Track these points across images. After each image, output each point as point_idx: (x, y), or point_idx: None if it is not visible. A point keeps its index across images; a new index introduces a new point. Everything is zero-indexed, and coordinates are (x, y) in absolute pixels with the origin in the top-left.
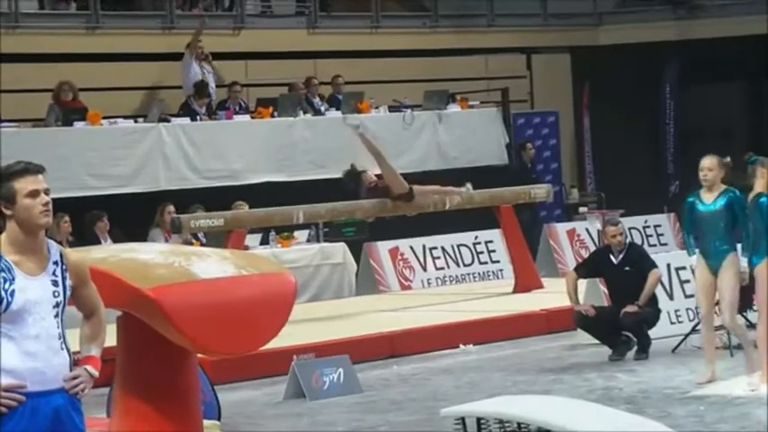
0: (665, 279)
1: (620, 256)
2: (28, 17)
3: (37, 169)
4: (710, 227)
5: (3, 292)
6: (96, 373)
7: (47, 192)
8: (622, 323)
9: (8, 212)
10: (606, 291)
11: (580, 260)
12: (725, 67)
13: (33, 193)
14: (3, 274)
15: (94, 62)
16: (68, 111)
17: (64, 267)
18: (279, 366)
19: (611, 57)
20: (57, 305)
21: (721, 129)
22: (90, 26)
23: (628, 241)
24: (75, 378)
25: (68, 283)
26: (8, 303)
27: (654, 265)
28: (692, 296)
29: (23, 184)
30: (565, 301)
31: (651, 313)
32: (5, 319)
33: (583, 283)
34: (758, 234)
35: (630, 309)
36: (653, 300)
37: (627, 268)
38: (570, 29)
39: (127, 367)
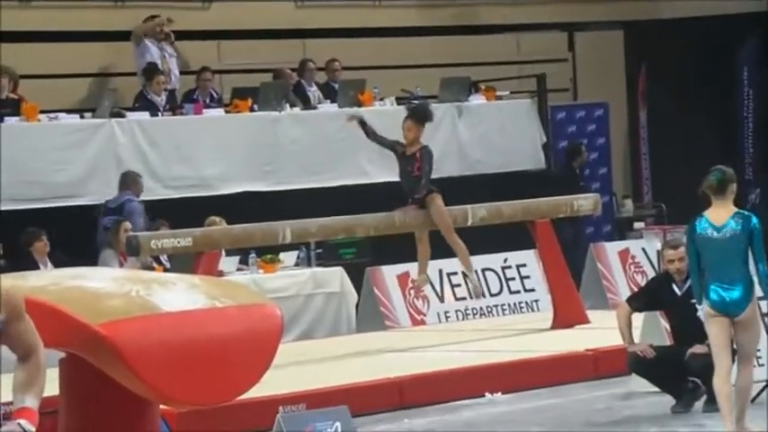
0: None
1: (686, 285)
2: None
3: None
4: None
5: None
6: (33, 429)
7: None
8: (688, 367)
9: None
10: (668, 327)
11: (635, 288)
12: None
13: None
14: None
15: (29, 42)
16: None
17: None
18: (261, 420)
19: (674, 34)
20: None
21: None
22: None
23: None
24: None
25: (1, 317)
26: None
27: None
28: None
29: None
30: (617, 340)
31: None
32: None
33: (639, 318)
34: None
35: (699, 349)
36: None
37: (694, 300)
38: (623, 0)
39: (71, 420)
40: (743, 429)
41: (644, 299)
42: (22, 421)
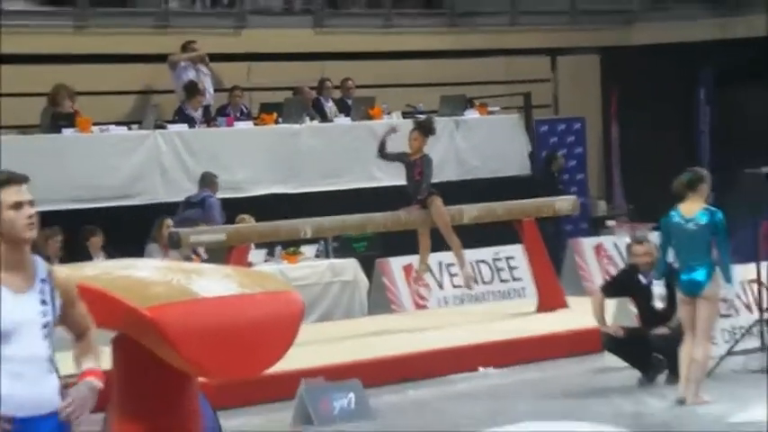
0: None
1: (651, 276)
2: (11, 15)
3: (20, 179)
4: None
5: None
6: (100, 384)
7: (31, 203)
8: (653, 345)
9: None
10: (636, 311)
11: (608, 277)
12: (764, 71)
13: (17, 206)
14: None
15: (83, 64)
16: (56, 116)
17: (52, 286)
18: (285, 391)
19: (643, 58)
20: (45, 325)
21: (758, 137)
22: (78, 25)
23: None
24: (68, 405)
25: (57, 302)
26: None
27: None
28: (727, 316)
29: (6, 196)
30: (591, 322)
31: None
32: None
33: (611, 303)
34: None
35: (661, 331)
36: None
37: (658, 289)
38: (600, 28)
39: (123, 392)
40: (696, 398)
41: (615, 287)
42: (89, 379)
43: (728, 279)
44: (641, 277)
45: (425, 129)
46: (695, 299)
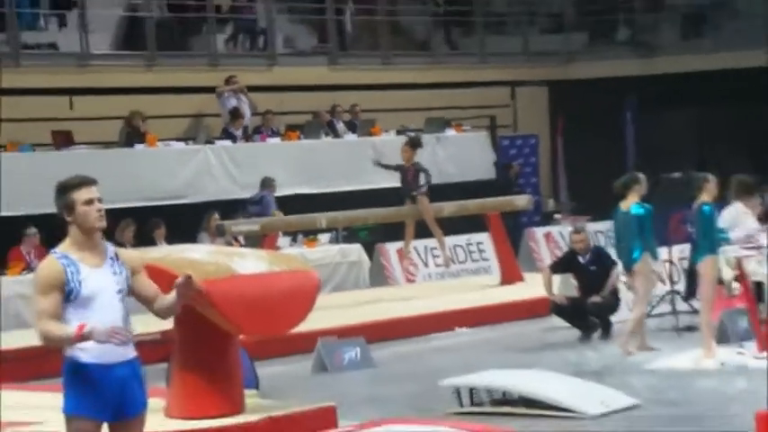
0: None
1: (587, 257)
2: (98, 57)
3: (91, 182)
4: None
5: (73, 283)
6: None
7: (100, 200)
8: (589, 310)
9: (69, 219)
10: (576, 284)
11: (554, 259)
12: (675, 98)
13: (89, 202)
14: (70, 268)
15: (151, 94)
16: (130, 134)
17: (120, 261)
18: (306, 346)
19: (582, 89)
20: (119, 291)
21: (672, 150)
22: (148, 64)
23: (593, 245)
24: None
25: (126, 273)
26: (78, 291)
27: (614, 264)
28: None
29: (80, 195)
30: (542, 292)
31: (613, 302)
32: (78, 304)
33: (557, 279)
34: (699, 236)
35: (595, 299)
36: (614, 291)
37: (592, 267)
38: (547, 66)
39: (182, 346)
40: (626, 348)
41: (560, 266)
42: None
43: (655, 256)
44: (579, 258)
45: (414, 143)
46: (632, 272)
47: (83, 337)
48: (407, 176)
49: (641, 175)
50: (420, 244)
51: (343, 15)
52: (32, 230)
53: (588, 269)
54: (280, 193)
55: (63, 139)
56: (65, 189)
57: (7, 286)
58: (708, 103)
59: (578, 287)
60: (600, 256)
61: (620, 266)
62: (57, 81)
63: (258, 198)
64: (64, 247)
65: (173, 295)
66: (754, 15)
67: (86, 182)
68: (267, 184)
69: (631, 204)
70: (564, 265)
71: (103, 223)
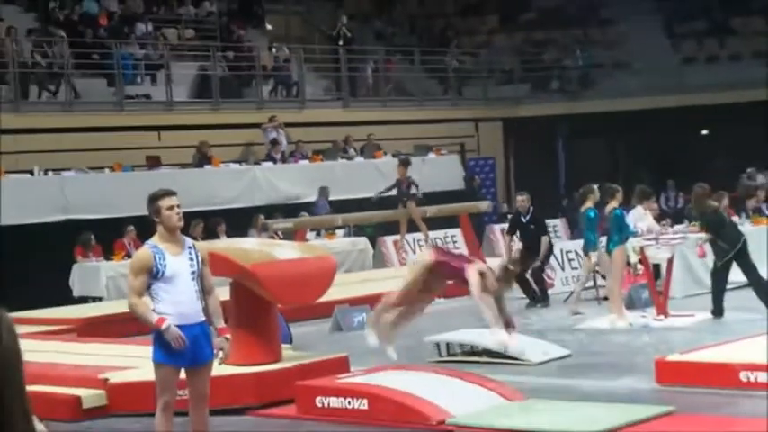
0: (560, 259)
1: (528, 217)
2: (178, 103)
3: (172, 193)
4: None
5: (159, 266)
6: (230, 337)
7: (179, 206)
8: (533, 277)
9: (157, 220)
10: (519, 239)
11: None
12: (593, 131)
13: (171, 208)
14: (158, 255)
15: (215, 129)
16: (200, 158)
17: (196, 251)
18: (326, 312)
19: (527, 123)
20: (193, 273)
21: (591, 168)
22: (213, 108)
23: (532, 209)
24: (220, 348)
25: (199, 260)
26: (162, 272)
27: (546, 233)
28: (575, 269)
29: (164, 203)
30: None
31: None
32: (163, 281)
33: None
34: (612, 231)
35: (536, 264)
36: (547, 255)
37: (532, 226)
38: (501, 107)
39: (236, 311)
40: (575, 309)
41: (511, 227)
42: (226, 335)
43: (595, 248)
44: (522, 218)
45: (405, 163)
46: (588, 254)
47: (159, 328)
48: (402, 187)
49: (595, 186)
50: (410, 237)
51: (365, 72)
52: (131, 228)
53: (528, 227)
54: (306, 199)
55: (154, 162)
56: (153, 198)
57: (114, 268)
58: (616, 134)
59: (520, 240)
60: (537, 218)
61: (547, 236)
62: (149, 121)
63: (316, 203)
64: (154, 240)
65: (216, 318)
66: (645, 70)
67: (169, 193)
68: (324, 193)
69: (586, 208)
70: (513, 225)
71: (182, 223)
